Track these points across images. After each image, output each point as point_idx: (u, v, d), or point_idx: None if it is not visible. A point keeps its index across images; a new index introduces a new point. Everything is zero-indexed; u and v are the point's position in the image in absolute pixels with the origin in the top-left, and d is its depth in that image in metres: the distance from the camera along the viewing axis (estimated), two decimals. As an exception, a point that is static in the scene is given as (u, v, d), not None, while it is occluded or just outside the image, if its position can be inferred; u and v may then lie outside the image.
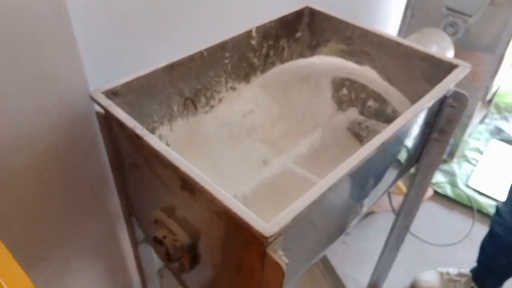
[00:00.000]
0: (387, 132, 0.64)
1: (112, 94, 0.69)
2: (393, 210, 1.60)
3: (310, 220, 0.62)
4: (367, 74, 0.89)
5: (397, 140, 0.79)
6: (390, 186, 0.92)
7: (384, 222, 1.58)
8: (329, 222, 0.73)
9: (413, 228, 1.17)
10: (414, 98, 0.87)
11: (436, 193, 1.76)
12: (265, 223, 0.49)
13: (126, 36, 0.82)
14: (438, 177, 1.80)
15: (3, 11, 0.55)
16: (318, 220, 0.67)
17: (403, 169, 0.92)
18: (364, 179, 0.75)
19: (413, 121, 0.76)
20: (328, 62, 0.93)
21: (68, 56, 0.65)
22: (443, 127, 0.86)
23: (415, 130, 0.83)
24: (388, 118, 0.95)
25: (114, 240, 0.95)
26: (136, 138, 0.61)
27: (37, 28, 0.60)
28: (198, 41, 0.82)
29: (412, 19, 1.70)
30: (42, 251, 0.81)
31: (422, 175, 0.97)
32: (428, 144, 0.90)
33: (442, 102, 0.83)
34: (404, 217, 1.08)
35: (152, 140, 0.59)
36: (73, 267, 0.88)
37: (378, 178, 0.82)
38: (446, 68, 0.82)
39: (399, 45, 0.87)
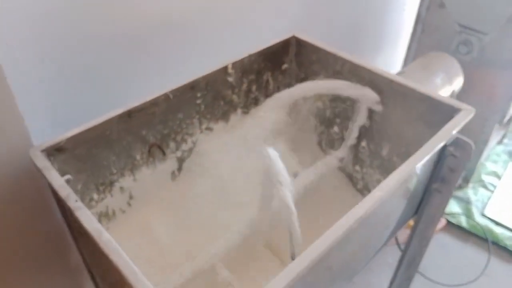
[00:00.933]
0: (378, 191, 0.54)
1: (55, 150, 0.61)
2: (398, 244, 1.48)
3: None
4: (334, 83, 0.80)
5: (393, 194, 0.68)
6: (385, 243, 0.81)
7: (391, 255, 1.45)
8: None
9: (422, 265, 1.04)
10: (411, 141, 0.77)
11: (449, 223, 1.62)
12: None
13: (81, 79, 0.74)
14: (452, 206, 1.67)
15: None
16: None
17: (400, 221, 0.81)
18: (351, 245, 0.65)
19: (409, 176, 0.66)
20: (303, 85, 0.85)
21: (3, 107, 0.57)
22: (444, 176, 0.75)
23: (413, 179, 0.72)
24: (383, 161, 0.84)
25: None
26: (69, 211, 0.52)
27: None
28: (165, 80, 0.73)
29: (423, 35, 1.58)
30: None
31: (423, 226, 0.85)
32: (427, 195, 0.79)
33: (442, 150, 0.72)
34: (406, 267, 0.97)
35: (84, 216, 0.50)
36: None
37: (369, 241, 0.72)
38: (447, 111, 0.71)
39: (391, 82, 0.76)
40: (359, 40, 1.48)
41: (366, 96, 0.78)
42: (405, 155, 0.80)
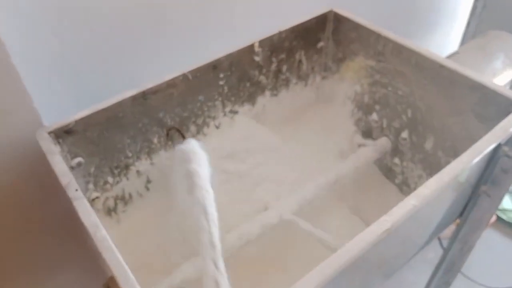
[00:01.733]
0: (417, 196, 0.47)
1: (64, 132, 0.58)
2: (440, 240, 1.38)
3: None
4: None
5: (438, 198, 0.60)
6: (425, 244, 0.73)
7: (432, 250, 1.35)
8: None
9: (466, 265, 0.95)
10: (459, 136, 0.67)
11: (499, 218, 1.49)
12: None
13: (93, 59, 0.70)
14: (504, 201, 1.52)
15: None
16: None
17: (442, 224, 0.72)
18: (389, 247, 0.58)
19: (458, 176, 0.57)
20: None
21: (7, 86, 0.54)
22: (495, 178, 0.65)
23: (460, 179, 0.63)
24: (426, 155, 0.75)
25: (99, 272, 0.86)
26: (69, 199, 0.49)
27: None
28: (185, 60, 0.68)
29: (484, 11, 1.41)
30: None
31: (467, 231, 0.76)
32: (475, 198, 0.69)
33: (496, 149, 0.62)
34: (446, 270, 0.88)
35: (81, 207, 0.47)
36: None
37: (408, 240, 0.64)
38: (504, 103, 0.60)
39: (441, 67, 0.66)
40: (411, 17, 1.34)
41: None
42: (451, 151, 0.71)
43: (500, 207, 1.50)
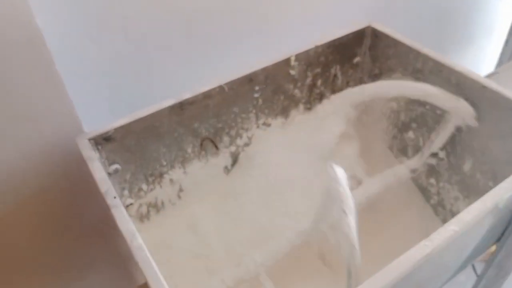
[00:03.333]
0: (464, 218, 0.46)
1: (103, 139, 0.59)
2: (474, 267, 1.32)
3: None
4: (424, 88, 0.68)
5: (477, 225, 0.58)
6: (459, 271, 0.70)
7: (462, 274, 1.30)
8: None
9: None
10: (499, 159, 0.65)
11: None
12: None
13: (129, 66, 0.71)
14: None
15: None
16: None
17: (478, 250, 0.69)
18: (424, 272, 0.56)
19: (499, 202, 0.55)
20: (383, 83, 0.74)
21: (51, 92, 0.56)
22: (539, 204, 0.62)
23: (500, 204, 0.61)
24: (464, 177, 0.73)
25: (129, 278, 0.87)
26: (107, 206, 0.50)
27: (10, 60, 0.51)
28: (220, 70, 0.69)
29: (526, 29, 1.37)
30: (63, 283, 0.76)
31: (504, 255, 0.73)
32: (515, 223, 0.67)
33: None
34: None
35: (119, 215, 0.48)
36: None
37: (443, 267, 0.62)
38: (552, 128, 0.58)
39: (483, 88, 0.64)
40: (445, 32, 1.31)
41: (460, 111, 0.66)
42: (491, 174, 0.68)
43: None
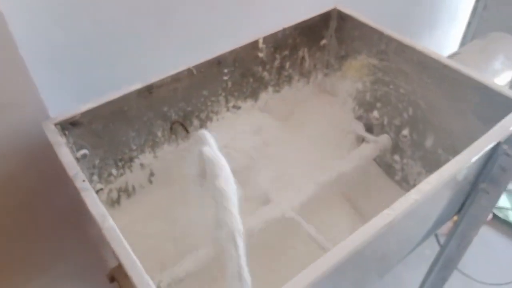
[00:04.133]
0: (423, 188, 0.48)
1: (70, 124, 0.59)
2: (437, 237, 1.39)
3: None
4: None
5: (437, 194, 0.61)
6: (424, 239, 0.74)
7: (428, 247, 1.37)
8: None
9: (462, 261, 0.97)
10: (460, 134, 0.68)
11: (495, 216, 1.50)
12: None
13: (97, 52, 0.70)
14: (500, 199, 1.54)
15: None
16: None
17: (440, 220, 0.73)
18: (388, 242, 0.59)
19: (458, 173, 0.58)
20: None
21: (15, 77, 0.55)
22: (494, 176, 0.66)
23: (459, 176, 0.64)
24: (426, 153, 0.76)
25: (100, 263, 0.87)
26: (76, 190, 0.50)
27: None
28: (189, 54, 0.69)
29: (485, 12, 1.42)
30: (21, 277, 0.75)
31: (465, 227, 0.77)
32: (474, 194, 0.70)
33: (496, 147, 0.63)
34: (442, 266, 0.89)
35: (89, 198, 0.48)
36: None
37: (407, 236, 0.65)
38: (504, 104, 0.61)
39: (444, 67, 0.67)
40: (412, 15, 1.35)
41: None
42: (451, 149, 0.72)
43: (496, 205, 1.51)
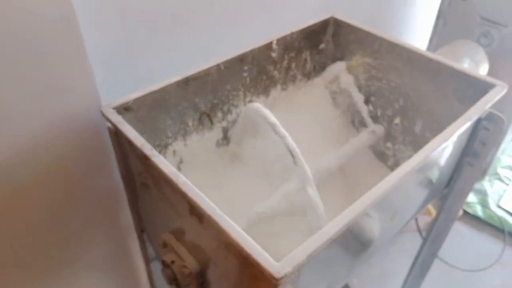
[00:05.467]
0: (413, 161, 0.59)
1: (124, 109, 0.66)
2: (419, 231, 1.53)
3: (328, 256, 0.57)
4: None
5: (426, 166, 0.73)
6: (417, 212, 0.86)
7: (409, 242, 1.50)
8: (350, 255, 0.68)
9: (440, 251, 1.10)
10: (445, 117, 0.81)
11: (465, 213, 1.66)
12: (276, 262, 0.44)
13: (139, 48, 0.79)
14: (469, 196, 1.71)
15: (8, 16, 0.53)
16: (338, 255, 0.62)
17: (432, 194, 0.85)
18: (387, 210, 0.70)
19: (443, 147, 0.70)
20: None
21: (77, 65, 0.63)
22: (476, 150, 0.80)
23: (446, 152, 0.76)
24: (416, 137, 0.89)
25: (126, 256, 0.92)
26: (144, 159, 0.57)
27: (43, 35, 0.57)
28: (215, 53, 0.79)
29: (444, 28, 1.62)
30: (50, 266, 0.79)
31: (452, 200, 0.90)
32: (459, 168, 0.83)
33: (476, 124, 0.77)
34: (431, 242, 1.01)
35: (160, 162, 0.56)
36: (84, 282, 0.86)
37: (403, 206, 0.77)
38: (480, 87, 0.75)
39: (429, 60, 0.81)
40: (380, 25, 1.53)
41: None
42: (438, 131, 0.84)
43: (465, 201, 1.68)
